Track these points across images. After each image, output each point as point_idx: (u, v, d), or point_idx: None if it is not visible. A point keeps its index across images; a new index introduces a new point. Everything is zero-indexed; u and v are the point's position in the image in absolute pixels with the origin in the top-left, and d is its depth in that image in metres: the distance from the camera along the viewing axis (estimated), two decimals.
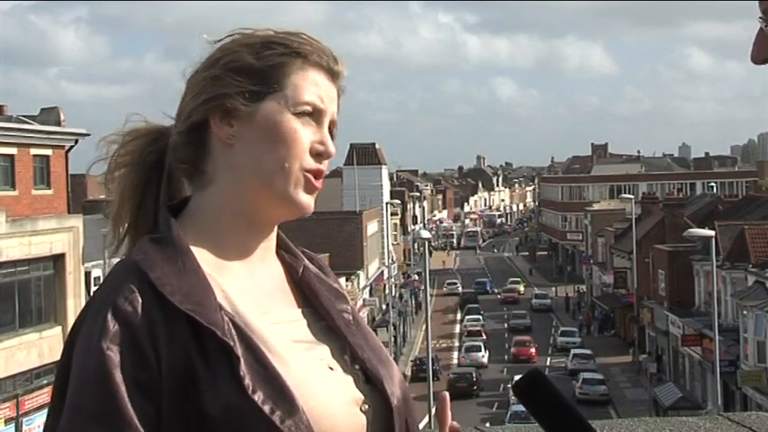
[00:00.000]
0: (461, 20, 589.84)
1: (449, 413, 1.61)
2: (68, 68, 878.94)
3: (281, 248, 1.66)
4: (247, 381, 1.41)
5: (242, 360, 1.43)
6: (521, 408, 36.62)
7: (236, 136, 1.54)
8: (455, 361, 58.11)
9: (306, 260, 1.68)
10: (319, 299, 1.63)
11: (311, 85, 1.57)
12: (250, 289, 1.55)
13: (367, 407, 1.53)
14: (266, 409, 1.40)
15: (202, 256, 1.52)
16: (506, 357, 58.32)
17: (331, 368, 1.54)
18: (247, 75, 1.55)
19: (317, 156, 1.57)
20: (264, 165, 1.54)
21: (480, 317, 70.82)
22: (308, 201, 1.56)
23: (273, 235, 1.63)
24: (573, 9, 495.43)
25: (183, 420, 1.41)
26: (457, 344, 63.87)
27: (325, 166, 1.58)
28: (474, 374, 50.91)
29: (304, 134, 1.55)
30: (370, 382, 1.56)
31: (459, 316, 76.16)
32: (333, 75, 1.60)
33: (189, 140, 1.58)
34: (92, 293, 1.57)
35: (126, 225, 1.62)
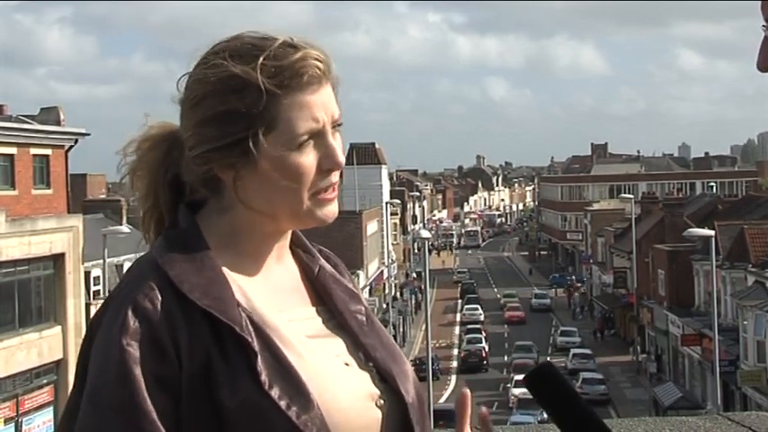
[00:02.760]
0: (449, 20, 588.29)
1: (468, 410, 1.58)
2: (57, 68, 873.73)
3: (298, 246, 1.68)
4: (264, 376, 1.44)
5: (259, 355, 1.45)
6: (519, 418, 36.71)
7: (243, 178, 1.54)
8: (455, 352, 59.78)
9: (322, 259, 1.70)
10: (333, 299, 1.64)
11: (303, 112, 1.52)
12: (265, 287, 1.57)
13: (382, 402, 1.54)
14: (282, 404, 1.43)
15: (219, 254, 1.54)
16: (505, 358, 58.31)
17: (347, 364, 1.56)
18: (235, 123, 1.51)
19: (327, 170, 1.55)
20: (275, 201, 1.54)
21: (479, 307, 73.14)
22: (328, 212, 1.57)
23: (288, 234, 1.64)
24: (560, 9, 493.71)
25: (202, 415, 1.44)
26: (456, 342, 64.01)
27: (336, 177, 1.56)
28: (483, 351, 56.94)
29: (308, 161, 1.53)
30: (384, 381, 1.57)
31: (459, 306, 78.78)
32: (322, 78, 1.55)
33: (202, 176, 1.58)
34: (111, 290, 1.57)
35: (152, 225, 1.65)
